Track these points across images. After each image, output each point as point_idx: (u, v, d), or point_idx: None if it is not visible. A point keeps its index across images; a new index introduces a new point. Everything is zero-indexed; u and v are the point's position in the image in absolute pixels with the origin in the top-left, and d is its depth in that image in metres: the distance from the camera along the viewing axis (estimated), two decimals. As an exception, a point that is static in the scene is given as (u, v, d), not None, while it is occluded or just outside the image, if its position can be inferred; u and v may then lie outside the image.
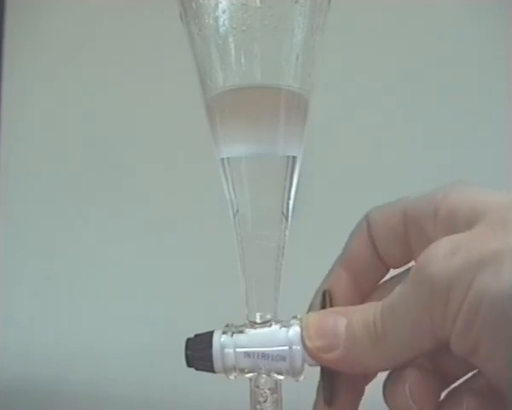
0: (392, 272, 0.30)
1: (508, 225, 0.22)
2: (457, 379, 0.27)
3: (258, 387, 0.29)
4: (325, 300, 0.29)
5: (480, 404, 0.26)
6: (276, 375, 0.29)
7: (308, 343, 0.27)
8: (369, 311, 0.26)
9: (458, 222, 0.25)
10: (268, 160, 0.29)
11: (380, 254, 0.29)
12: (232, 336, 0.29)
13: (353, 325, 0.26)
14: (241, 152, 0.29)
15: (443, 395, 0.27)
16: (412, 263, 0.28)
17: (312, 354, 0.27)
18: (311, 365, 0.28)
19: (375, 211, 0.29)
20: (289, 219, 0.30)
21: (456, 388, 0.27)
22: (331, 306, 0.29)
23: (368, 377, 0.30)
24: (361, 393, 0.29)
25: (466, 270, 0.22)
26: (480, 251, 0.22)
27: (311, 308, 0.30)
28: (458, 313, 0.22)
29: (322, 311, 0.28)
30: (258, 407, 0.29)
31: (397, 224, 0.28)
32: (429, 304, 0.23)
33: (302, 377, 0.28)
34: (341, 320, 0.26)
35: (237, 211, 0.30)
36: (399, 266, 0.29)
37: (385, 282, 0.30)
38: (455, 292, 0.22)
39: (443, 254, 0.23)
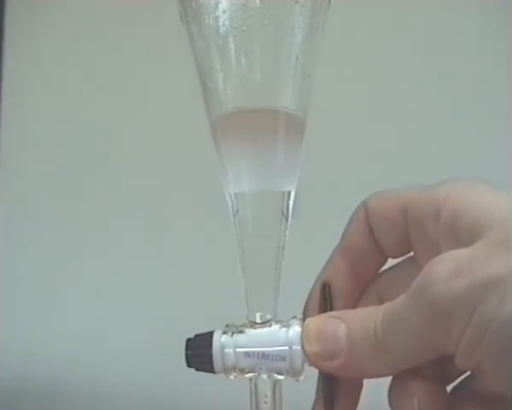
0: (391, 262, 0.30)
1: (510, 244, 0.22)
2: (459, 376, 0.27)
3: (258, 387, 0.29)
4: (325, 293, 0.29)
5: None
6: (276, 375, 0.29)
7: (308, 349, 0.27)
8: (369, 318, 0.25)
9: (461, 229, 0.24)
10: (269, 163, 0.29)
11: (377, 243, 0.29)
12: (232, 336, 0.29)
13: (353, 331, 0.26)
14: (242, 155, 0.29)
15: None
16: (410, 254, 0.29)
17: (312, 361, 0.27)
18: (311, 365, 0.28)
19: (374, 199, 0.29)
20: (289, 219, 0.30)
21: (456, 390, 0.27)
22: (330, 299, 0.29)
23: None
24: (359, 395, 0.29)
25: (469, 294, 0.22)
26: (482, 274, 0.22)
27: (309, 299, 0.30)
28: (462, 335, 0.22)
29: (322, 315, 0.28)
30: (258, 407, 0.29)
31: (396, 216, 0.28)
32: (432, 323, 0.23)
33: (302, 377, 0.28)
34: (341, 326, 0.26)
35: (237, 211, 0.30)
36: (397, 257, 0.29)
37: (383, 272, 0.30)
38: (458, 316, 0.22)
39: (446, 276, 0.23)
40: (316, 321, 0.27)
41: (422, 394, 0.26)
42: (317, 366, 0.27)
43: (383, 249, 0.29)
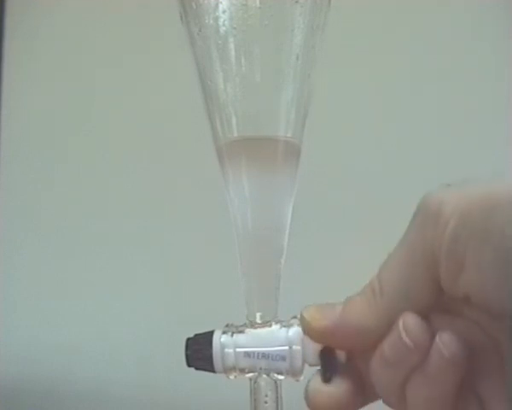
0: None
1: None
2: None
3: (258, 387, 0.29)
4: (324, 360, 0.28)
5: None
6: (276, 375, 0.29)
7: (305, 315, 0.27)
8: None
9: None
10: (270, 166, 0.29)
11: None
12: (232, 336, 0.29)
13: (351, 296, 0.26)
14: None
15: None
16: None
17: (309, 326, 0.27)
18: (311, 365, 0.28)
19: None
20: (289, 219, 0.30)
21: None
22: (330, 364, 0.28)
23: (366, 389, 0.28)
24: (359, 382, 0.28)
25: (459, 188, 0.24)
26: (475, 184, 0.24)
27: None
28: (448, 221, 0.23)
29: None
30: (258, 407, 0.29)
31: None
32: (423, 228, 0.24)
33: (302, 377, 0.28)
34: (339, 303, 0.26)
35: (237, 211, 0.30)
36: None
37: None
38: (446, 205, 0.23)
39: (438, 187, 0.24)
40: (312, 306, 0.27)
41: (408, 315, 0.25)
42: (314, 331, 0.27)
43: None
